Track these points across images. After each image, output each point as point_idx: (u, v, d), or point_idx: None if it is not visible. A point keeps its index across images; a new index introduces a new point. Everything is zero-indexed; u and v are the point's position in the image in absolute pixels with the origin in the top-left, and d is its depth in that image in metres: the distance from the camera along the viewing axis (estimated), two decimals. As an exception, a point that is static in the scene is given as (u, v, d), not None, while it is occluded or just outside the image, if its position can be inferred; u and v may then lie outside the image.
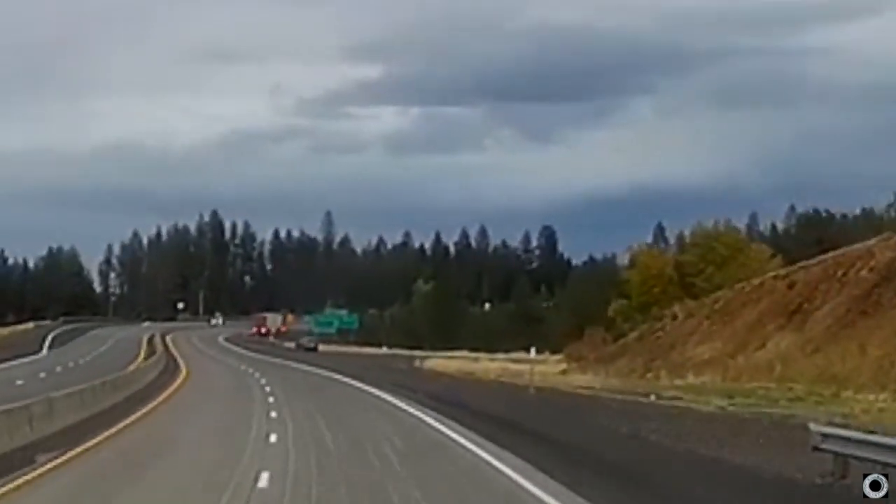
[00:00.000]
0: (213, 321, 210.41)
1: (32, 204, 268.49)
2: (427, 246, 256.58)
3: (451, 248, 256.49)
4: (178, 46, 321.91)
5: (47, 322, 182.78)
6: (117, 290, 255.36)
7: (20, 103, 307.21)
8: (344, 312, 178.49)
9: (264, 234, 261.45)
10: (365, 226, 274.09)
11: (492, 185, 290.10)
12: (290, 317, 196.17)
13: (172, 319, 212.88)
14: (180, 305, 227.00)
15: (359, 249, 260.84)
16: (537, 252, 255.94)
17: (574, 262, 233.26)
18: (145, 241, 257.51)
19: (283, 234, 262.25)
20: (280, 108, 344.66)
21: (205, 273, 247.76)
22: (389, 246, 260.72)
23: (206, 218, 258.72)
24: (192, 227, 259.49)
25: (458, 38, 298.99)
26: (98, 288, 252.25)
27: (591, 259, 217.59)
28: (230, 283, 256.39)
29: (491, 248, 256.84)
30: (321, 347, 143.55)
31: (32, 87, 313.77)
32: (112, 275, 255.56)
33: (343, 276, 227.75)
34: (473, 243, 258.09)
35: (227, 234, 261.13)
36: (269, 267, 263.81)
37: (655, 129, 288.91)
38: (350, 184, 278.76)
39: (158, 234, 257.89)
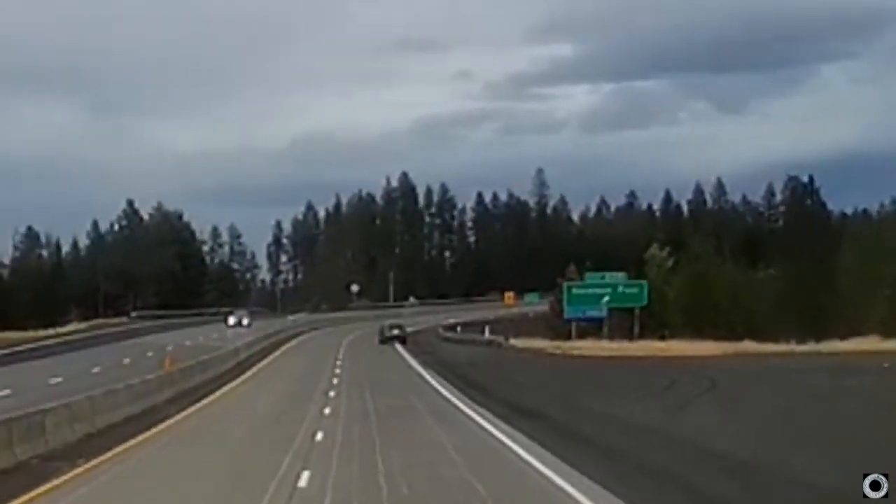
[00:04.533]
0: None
1: (207, 204, 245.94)
2: (655, 207, 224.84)
3: (685, 207, 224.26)
4: (366, 39, 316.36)
5: (121, 319, 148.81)
6: (290, 276, 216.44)
7: (204, 104, 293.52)
8: (621, 276, 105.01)
9: (466, 200, 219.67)
10: (575, 196, 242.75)
11: (696, 157, 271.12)
12: (511, 296, 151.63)
13: (342, 309, 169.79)
14: (354, 288, 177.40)
15: (575, 215, 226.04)
16: (782, 209, 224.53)
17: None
18: (322, 214, 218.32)
19: (487, 198, 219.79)
20: (469, 92, 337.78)
21: (395, 250, 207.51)
22: (612, 209, 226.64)
23: (395, 183, 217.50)
24: (378, 196, 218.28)
25: (644, 12, 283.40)
26: (267, 275, 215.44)
27: (844, 214, 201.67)
28: (427, 259, 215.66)
29: (729, 206, 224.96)
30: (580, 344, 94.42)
31: (218, 87, 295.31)
32: (283, 258, 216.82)
33: (558, 247, 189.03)
34: (709, 200, 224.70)
35: (422, 201, 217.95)
36: (471, 239, 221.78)
37: (852, 94, 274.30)
38: (549, 161, 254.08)
39: (338, 206, 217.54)
